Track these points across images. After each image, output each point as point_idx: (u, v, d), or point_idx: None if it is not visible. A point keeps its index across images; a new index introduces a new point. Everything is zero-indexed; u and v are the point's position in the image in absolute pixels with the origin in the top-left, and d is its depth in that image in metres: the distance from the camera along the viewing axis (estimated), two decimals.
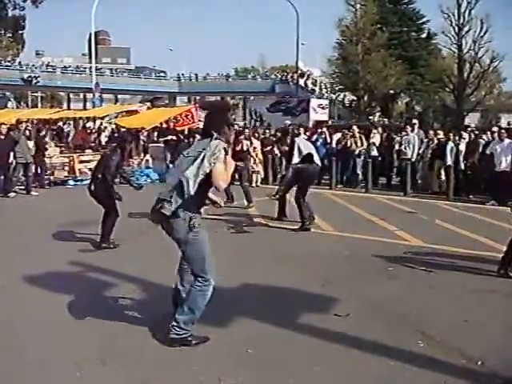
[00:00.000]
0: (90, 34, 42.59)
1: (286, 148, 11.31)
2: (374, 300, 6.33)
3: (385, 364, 4.65)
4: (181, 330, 4.96)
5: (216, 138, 4.85)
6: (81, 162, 18.81)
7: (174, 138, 20.16)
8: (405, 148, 17.13)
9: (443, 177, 16.32)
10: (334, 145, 18.71)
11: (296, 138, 11.12)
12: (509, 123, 51.55)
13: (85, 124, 26.53)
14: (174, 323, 4.97)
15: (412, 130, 17.69)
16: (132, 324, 5.56)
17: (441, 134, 17.69)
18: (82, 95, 63.64)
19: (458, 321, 5.70)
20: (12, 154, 15.33)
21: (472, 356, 4.76)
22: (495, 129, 16.11)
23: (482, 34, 45.77)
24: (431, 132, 18.09)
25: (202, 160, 4.79)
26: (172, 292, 5.43)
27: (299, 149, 10.60)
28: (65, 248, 8.75)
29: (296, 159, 10.59)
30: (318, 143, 18.10)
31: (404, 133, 17.72)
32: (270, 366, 4.70)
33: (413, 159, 16.92)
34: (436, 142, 17.07)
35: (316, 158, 10.80)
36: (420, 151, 17.11)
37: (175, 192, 4.83)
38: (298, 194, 10.66)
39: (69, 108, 58.87)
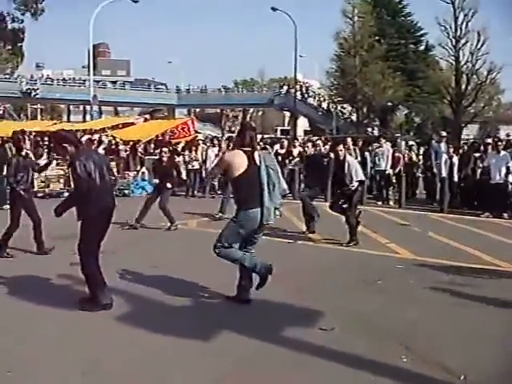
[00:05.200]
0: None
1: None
2: (360, 314, 6.30)
3: (367, 379, 4.61)
4: None
5: None
6: None
7: (170, 148, 20.23)
8: (378, 160, 17.25)
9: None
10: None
11: (348, 157, 10.81)
12: (508, 135, 51.64)
13: (90, 138, 26.31)
14: None
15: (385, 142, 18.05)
16: (111, 340, 5.54)
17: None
18: (81, 107, 63.75)
19: (444, 335, 5.67)
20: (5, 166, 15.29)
21: (455, 371, 4.71)
22: (489, 140, 16.19)
23: (479, 46, 45.97)
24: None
25: None
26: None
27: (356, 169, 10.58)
28: (56, 260, 8.70)
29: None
30: None
31: (377, 145, 17.82)
32: (251, 379, 4.66)
33: (387, 171, 17.06)
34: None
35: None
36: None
37: None
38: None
39: (69, 120, 58.97)
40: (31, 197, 9.73)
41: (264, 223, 6.26)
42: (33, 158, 15.02)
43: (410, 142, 23.21)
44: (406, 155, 18.33)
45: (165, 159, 12.44)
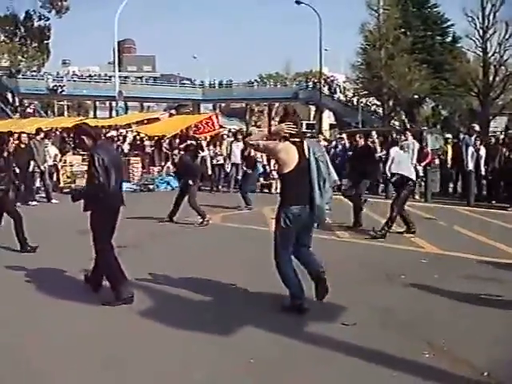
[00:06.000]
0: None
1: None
2: (383, 309, 6.23)
3: (387, 374, 4.56)
4: None
5: None
6: None
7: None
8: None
9: None
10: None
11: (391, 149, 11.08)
12: None
13: (106, 133, 26.55)
14: None
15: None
16: (132, 334, 5.55)
17: None
18: (107, 103, 64.18)
19: (467, 331, 5.58)
20: (32, 162, 15.51)
21: (478, 367, 4.63)
22: None
23: (507, 36, 45.13)
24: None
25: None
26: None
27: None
28: (76, 255, 8.72)
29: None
30: (338, 149, 18.02)
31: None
32: (273, 375, 4.63)
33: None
34: None
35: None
36: None
37: None
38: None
39: (95, 116, 59.45)
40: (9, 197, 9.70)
41: (317, 222, 6.15)
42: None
43: (447, 135, 22.58)
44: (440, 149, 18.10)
45: (176, 161, 13.44)
